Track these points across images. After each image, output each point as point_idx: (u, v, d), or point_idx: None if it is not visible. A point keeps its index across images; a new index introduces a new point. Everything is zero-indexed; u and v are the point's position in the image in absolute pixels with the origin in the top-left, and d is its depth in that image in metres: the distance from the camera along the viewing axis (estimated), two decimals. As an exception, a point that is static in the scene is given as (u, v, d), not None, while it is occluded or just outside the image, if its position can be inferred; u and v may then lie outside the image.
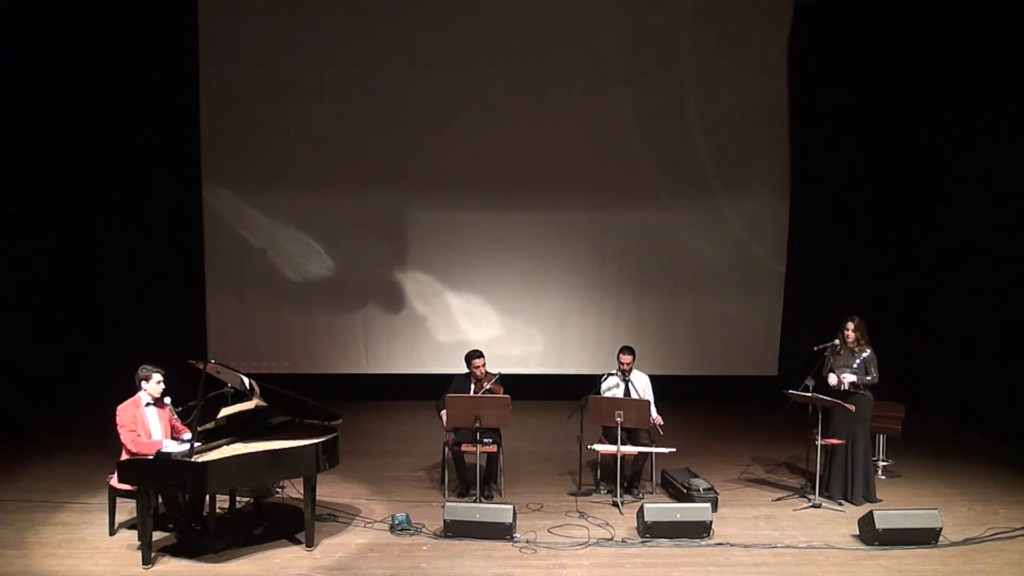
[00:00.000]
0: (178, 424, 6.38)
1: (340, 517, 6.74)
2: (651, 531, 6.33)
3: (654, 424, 7.36)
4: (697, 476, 7.35)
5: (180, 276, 10.70)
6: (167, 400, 6.30)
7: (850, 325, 7.27)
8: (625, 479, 7.21)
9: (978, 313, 9.98)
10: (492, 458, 7.28)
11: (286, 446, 6.09)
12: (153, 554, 5.81)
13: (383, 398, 10.78)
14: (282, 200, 10.80)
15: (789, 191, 11.06)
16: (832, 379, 7.23)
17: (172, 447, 6.01)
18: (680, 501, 7.00)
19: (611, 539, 6.40)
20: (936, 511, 6.43)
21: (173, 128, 10.55)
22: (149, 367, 6.27)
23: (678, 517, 6.38)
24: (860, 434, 7.23)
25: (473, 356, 7.53)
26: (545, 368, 10.94)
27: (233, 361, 8.55)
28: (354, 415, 8.85)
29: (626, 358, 7.58)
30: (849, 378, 7.17)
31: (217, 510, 6.27)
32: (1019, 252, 9.32)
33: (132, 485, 5.83)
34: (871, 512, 6.37)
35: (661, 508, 6.47)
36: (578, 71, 10.76)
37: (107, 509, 6.36)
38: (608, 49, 10.77)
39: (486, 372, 7.52)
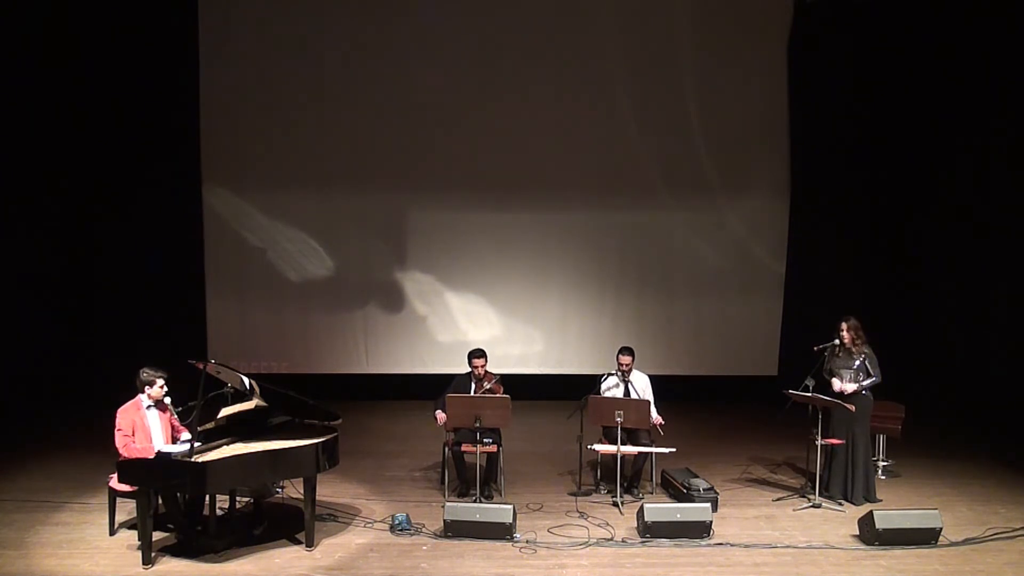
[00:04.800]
0: (178, 425, 6.38)
1: (340, 517, 6.74)
2: (651, 531, 6.33)
3: (654, 424, 7.36)
4: (697, 476, 7.34)
5: (180, 276, 10.70)
6: (167, 400, 6.30)
7: (843, 325, 7.26)
8: (625, 479, 7.21)
9: (978, 313, 9.98)
10: (492, 458, 7.28)
11: (286, 446, 6.09)
12: (153, 554, 5.81)
13: (383, 398, 10.79)
14: (282, 200, 10.80)
15: (789, 191, 11.05)
16: (836, 385, 7.22)
17: (168, 450, 6.01)
18: (680, 501, 7.00)
19: (611, 539, 6.40)
20: (936, 511, 6.43)
21: (173, 128, 10.55)
22: (151, 371, 6.24)
23: (678, 517, 6.38)
24: (860, 434, 7.23)
25: (474, 355, 7.54)
26: (545, 368, 10.94)
27: (233, 361, 8.56)
28: (354, 415, 8.85)
29: (625, 359, 7.58)
30: (851, 387, 7.15)
31: (217, 510, 6.27)
32: (1019, 252, 9.32)
33: (132, 485, 5.83)
34: (871, 512, 6.37)
35: (661, 508, 6.47)
36: (578, 71, 10.76)
37: (107, 509, 6.36)
38: (608, 49, 10.77)
39: (486, 372, 7.53)
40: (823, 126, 10.86)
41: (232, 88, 10.61)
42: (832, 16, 10.58)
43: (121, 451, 6.02)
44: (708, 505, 6.55)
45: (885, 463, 8.08)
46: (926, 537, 6.31)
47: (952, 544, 6.35)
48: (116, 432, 6.07)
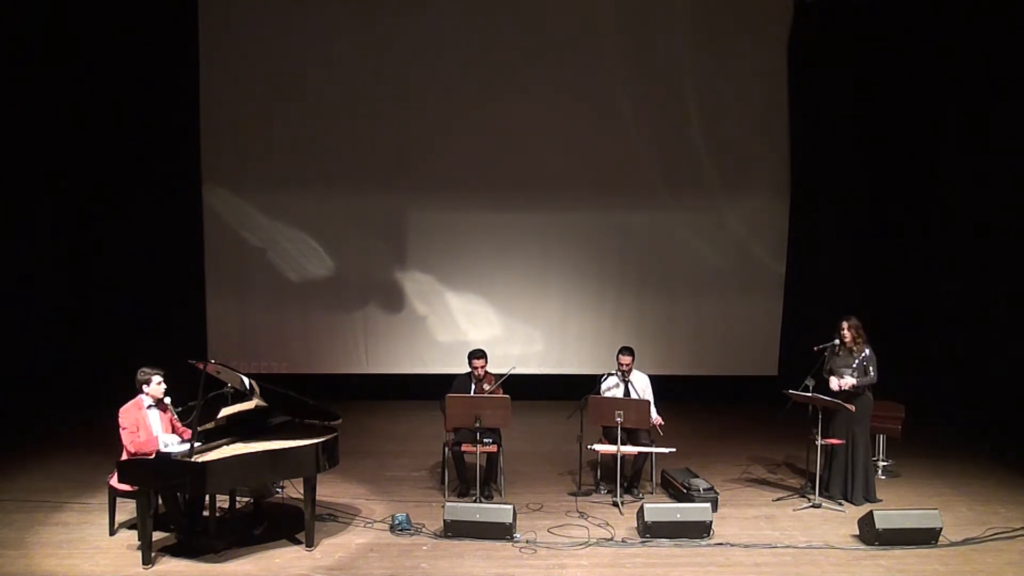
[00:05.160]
0: (179, 426, 6.38)
1: (340, 517, 6.74)
2: (651, 531, 6.33)
3: (654, 424, 7.36)
4: (697, 476, 7.35)
5: (180, 276, 10.70)
6: (167, 400, 6.31)
7: (845, 324, 7.26)
8: (625, 479, 7.21)
9: (978, 313, 9.97)
10: (492, 458, 7.28)
11: (286, 446, 6.09)
12: (153, 554, 5.81)
13: (383, 398, 10.79)
14: (282, 200, 10.80)
15: (789, 191, 11.06)
16: (833, 383, 7.22)
17: (170, 442, 6.01)
18: (680, 501, 7.00)
19: (611, 539, 6.40)
20: (936, 511, 6.43)
21: (173, 128, 10.55)
22: (148, 370, 6.25)
23: (678, 517, 6.38)
24: (860, 434, 7.23)
25: (474, 356, 7.54)
26: (545, 368, 10.93)
27: (233, 361, 8.56)
28: (354, 415, 8.85)
29: (625, 358, 7.58)
30: (848, 381, 7.15)
31: (217, 510, 6.27)
32: (1019, 252, 9.32)
33: (132, 485, 5.83)
34: (871, 512, 6.37)
35: (661, 508, 6.47)
36: (578, 71, 10.76)
37: (107, 509, 6.36)
38: (608, 49, 10.77)
39: (486, 373, 7.53)
40: (823, 126, 10.86)
41: (232, 88, 10.61)
42: (832, 16, 10.58)
43: (128, 447, 6.04)
44: (708, 505, 6.55)
45: (885, 463, 8.08)
46: (926, 537, 6.31)
47: (952, 544, 6.35)
48: (121, 431, 6.08)
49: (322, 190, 10.78)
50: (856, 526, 6.52)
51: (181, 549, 6.00)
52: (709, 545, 6.30)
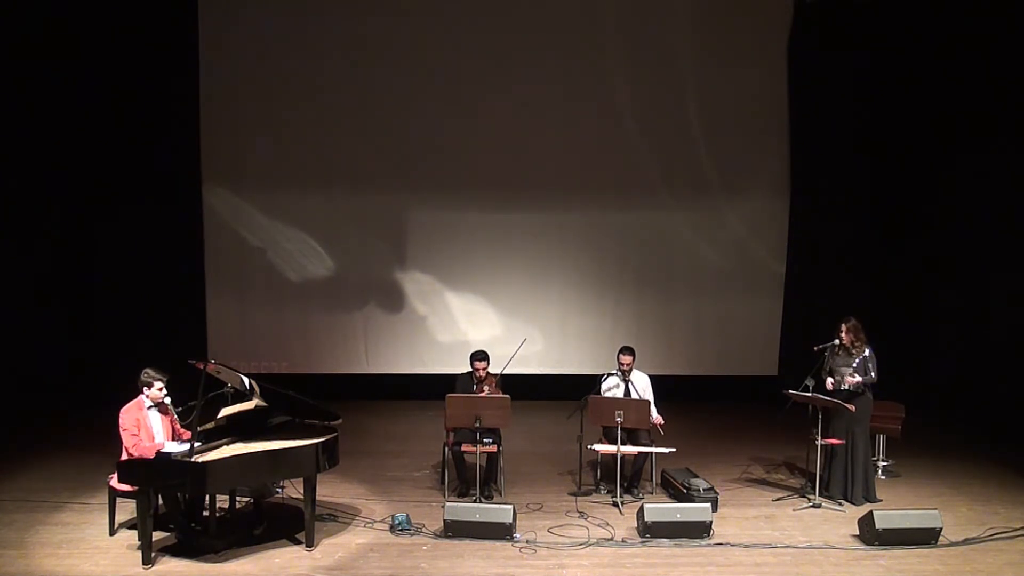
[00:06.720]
0: (179, 427, 6.37)
1: (340, 517, 6.74)
2: (651, 531, 6.34)
3: (654, 424, 7.36)
4: (697, 476, 7.35)
5: (180, 276, 10.70)
6: (167, 401, 6.30)
7: (843, 327, 7.26)
8: (625, 479, 7.21)
9: (978, 313, 9.97)
10: (492, 458, 7.28)
11: (286, 446, 6.09)
12: (153, 554, 5.81)
13: (383, 398, 10.79)
14: (282, 200, 10.81)
15: (789, 191, 11.06)
16: (829, 383, 7.21)
17: (172, 448, 6.01)
18: (680, 501, 7.00)
19: (611, 539, 6.41)
20: (936, 511, 6.43)
21: (173, 128, 10.55)
22: (152, 373, 6.25)
23: (678, 517, 6.39)
24: (860, 434, 7.23)
25: (476, 358, 7.54)
26: (545, 368, 10.93)
27: (233, 361, 8.56)
28: (354, 415, 8.83)
29: (626, 358, 7.58)
30: (855, 379, 7.14)
31: (217, 510, 6.27)
32: (1020, 251, 9.32)
33: (132, 485, 5.84)
34: (871, 512, 6.37)
35: (661, 508, 6.47)
36: (578, 71, 10.76)
37: (107, 509, 6.36)
38: (608, 49, 10.78)
39: (488, 375, 7.52)
40: (823, 126, 10.86)
41: (232, 88, 10.61)
42: (832, 16, 10.58)
43: (131, 451, 6.04)
44: (708, 505, 6.55)
45: (885, 463, 8.08)
46: (926, 537, 6.31)
47: (952, 544, 6.35)
48: (122, 432, 6.08)
49: (322, 190, 10.78)
50: (856, 526, 6.52)
51: (181, 549, 6.00)
52: (709, 545, 6.30)
